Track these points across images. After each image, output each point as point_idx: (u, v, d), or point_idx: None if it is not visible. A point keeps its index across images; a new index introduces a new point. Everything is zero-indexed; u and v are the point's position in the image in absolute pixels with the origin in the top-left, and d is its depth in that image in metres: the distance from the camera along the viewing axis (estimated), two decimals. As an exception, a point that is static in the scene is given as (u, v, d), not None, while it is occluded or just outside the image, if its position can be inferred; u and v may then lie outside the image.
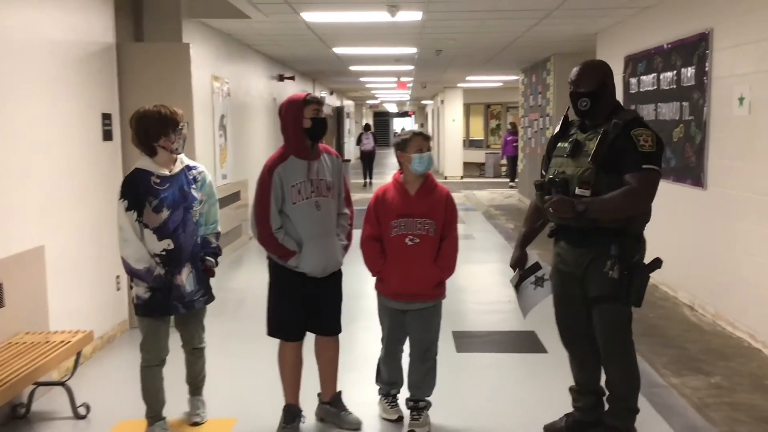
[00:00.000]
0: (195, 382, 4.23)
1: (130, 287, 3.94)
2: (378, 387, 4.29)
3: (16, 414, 4.33)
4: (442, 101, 24.01)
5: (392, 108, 43.77)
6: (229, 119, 9.59)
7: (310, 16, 8.50)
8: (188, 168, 3.96)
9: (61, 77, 5.09)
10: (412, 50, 12.11)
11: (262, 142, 12.13)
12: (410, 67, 15.45)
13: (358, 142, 22.24)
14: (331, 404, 4.19)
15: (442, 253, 4.01)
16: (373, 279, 4.12)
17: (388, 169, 26.41)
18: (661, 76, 7.57)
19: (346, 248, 4.08)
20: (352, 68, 15.44)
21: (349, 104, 30.79)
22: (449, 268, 4.05)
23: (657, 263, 3.63)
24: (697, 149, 6.70)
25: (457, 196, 17.19)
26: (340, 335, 4.20)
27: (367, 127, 22.71)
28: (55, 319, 4.82)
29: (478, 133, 26.92)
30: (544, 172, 3.87)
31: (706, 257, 6.57)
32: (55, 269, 4.83)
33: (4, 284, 4.24)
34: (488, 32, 10.15)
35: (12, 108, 4.43)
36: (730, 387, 4.85)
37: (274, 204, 3.85)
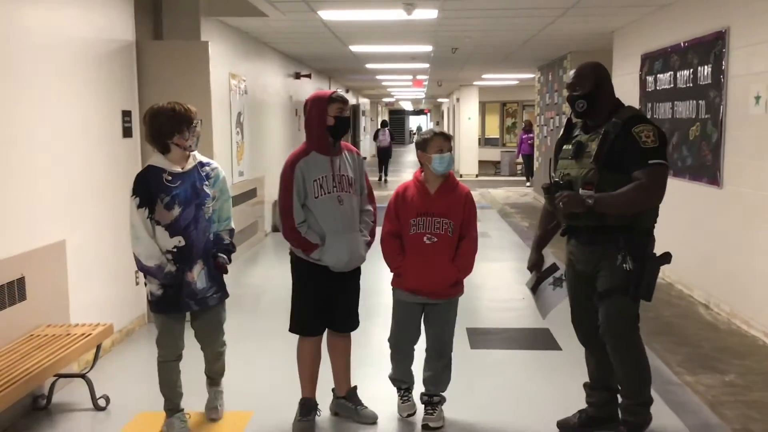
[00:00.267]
0: (214, 375, 4.27)
1: (145, 284, 3.96)
2: (391, 381, 4.29)
3: (37, 405, 4.41)
4: (458, 99, 24.00)
5: (408, 106, 43.77)
6: (246, 117, 9.66)
7: (327, 14, 8.55)
8: (201, 164, 3.94)
9: (82, 75, 5.16)
10: (428, 48, 12.13)
11: (279, 139, 12.20)
12: (426, 65, 15.46)
13: (375, 138, 22.39)
14: (347, 399, 4.24)
15: (460, 252, 4.03)
16: (390, 276, 4.15)
17: (403, 167, 26.44)
18: (678, 75, 7.55)
19: (368, 244, 4.11)
20: (368, 66, 15.48)
21: (364, 102, 30.83)
22: (467, 267, 4.08)
23: (666, 257, 3.66)
24: (713, 148, 6.69)
25: (473, 195, 17.16)
26: (357, 330, 4.25)
27: (384, 124, 22.88)
28: (76, 312, 4.90)
29: (493, 131, 26.87)
30: (552, 175, 3.92)
31: (722, 256, 6.57)
32: (75, 263, 4.91)
33: (26, 278, 4.32)
34: (504, 30, 10.15)
35: (34, 105, 4.51)
36: (744, 385, 4.85)
37: (296, 198, 3.91)
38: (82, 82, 5.17)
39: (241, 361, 5.18)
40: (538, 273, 4.08)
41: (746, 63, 6.15)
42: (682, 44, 7.44)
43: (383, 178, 21.08)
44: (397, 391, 4.27)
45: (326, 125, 3.95)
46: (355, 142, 23.49)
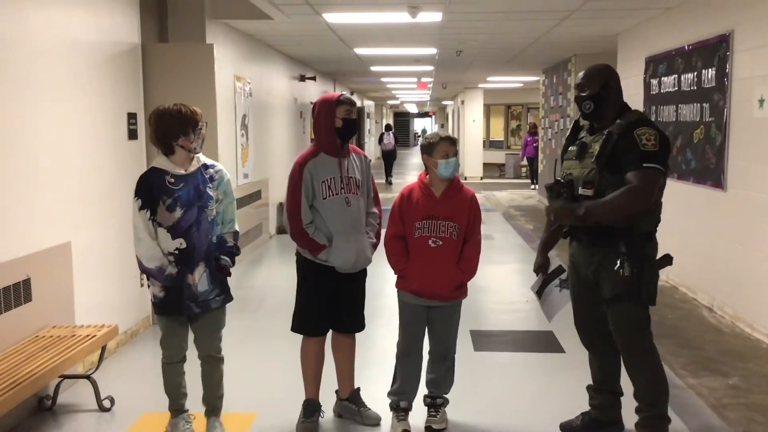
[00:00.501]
0: (212, 400, 4.03)
1: (148, 286, 3.96)
2: (389, 401, 4.17)
3: (42, 406, 4.43)
4: (463, 102, 24.01)
5: (413, 108, 43.78)
6: (250, 119, 9.69)
7: (332, 17, 8.57)
8: (205, 167, 3.91)
9: (88, 77, 5.19)
10: (433, 51, 12.15)
11: (283, 141, 12.23)
12: (431, 68, 15.49)
13: (380, 141, 22.70)
14: (350, 400, 4.25)
15: (465, 256, 4.03)
16: (394, 278, 4.15)
17: (407, 170, 26.47)
18: (682, 78, 7.55)
19: (374, 246, 4.14)
20: (373, 68, 15.51)
21: (369, 104, 30.86)
22: (471, 271, 4.07)
23: (667, 259, 3.66)
24: (717, 151, 6.69)
25: (478, 197, 17.16)
26: (360, 332, 4.26)
27: (388, 127, 23.25)
28: (81, 313, 4.92)
29: (498, 133, 26.88)
30: (555, 176, 3.94)
31: (726, 259, 6.56)
32: (81, 265, 4.94)
33: (32, 279, 4.35)
34: (509, 33, 10.17)
35: (40, 107, 4.54)
36: (748, 388, 4.86)
37: (304, 199, 3.93)
38: (88, 84, 5.20)
39: (244, 362, 5.20)
40: (545, 276, 4.08)
41: (750, 66, 6.15)
42: (686, 47, 7.45)
43: (390, 180, 21.35)
44: (394, 411, 4.11)
45: (334, 127, 3.98)
46: (360, 145, 23.56)
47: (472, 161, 23.28)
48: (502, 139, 26.66)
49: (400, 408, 4.11)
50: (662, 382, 3.73)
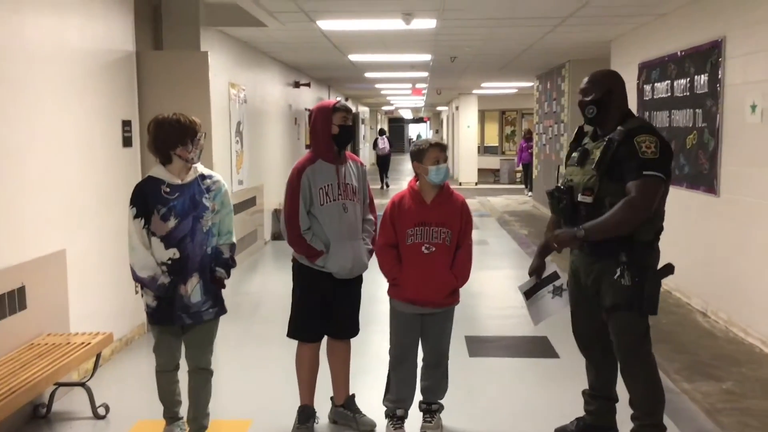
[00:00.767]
0: (200, 418, 3.94)
1: (141, 295, 3.95)
2: (384, 408, 4.17)
3: (37, 414, 4.43)
4: (457, 107, 24.06)
5: (407, 114, 43.84)
6: (245, 126, 9.70)
7: (326, 25, 8.60)
8: (202, 177, 3.89)
9: (82, 85, 5.20)
10: (427, 57, 12.18)
11: (278, 148, 12.25)
12: (425, 74, 15.52)
13: (374, 146, 22.94)
14: (345, 407, 4.26)
15: (458, 261, 4.03)
16: (386, 284, 4.15)
17: (402, 175, 26.49)
18: (675, 84, 7.60)
19: (370, 252, 4.17)
20: (368, 75, 15.54)
21: (364, 110, 30.89)
22: (464, 276, 4.07)
23: (669, 269, 3.63)
24: (710, 156, 6.72)
25: (472, 203, 17.24)
26: (354, 339, 4.27)
27: (381, 132, 23.61)
28: (76, 321, 4.92)
29: (492, 139, 26.91)
30: (557, 182, 3.92)
31: (719, 264, 6.59)
32: (76, 272, 4.94)
33: (27, 287, 4.34)
34: (502, 39, 10.21)
35: (35, 114, 4.54)
36: (741, 393, 4.88)
37: (302, 205, 3.96)
38: (83, 91, 5.20)
39: (239, 369, 5.21)
40: (537, 279, 4.07)
41: (742, 72, 6.19)
42: (678, 53, 7.49)
43: (386, 185, 21.54)
44: (390, 419, 4.13)
45: (331, 134, 4.01)
46: (355, 150, 23.64)
47: (466, 167, 23.33)
48: (497, 144, 26.71)
49: (396, 416, 4.11)
50: (659, 391, 3.72)
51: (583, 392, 4.06)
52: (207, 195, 3.86)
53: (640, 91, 8.65)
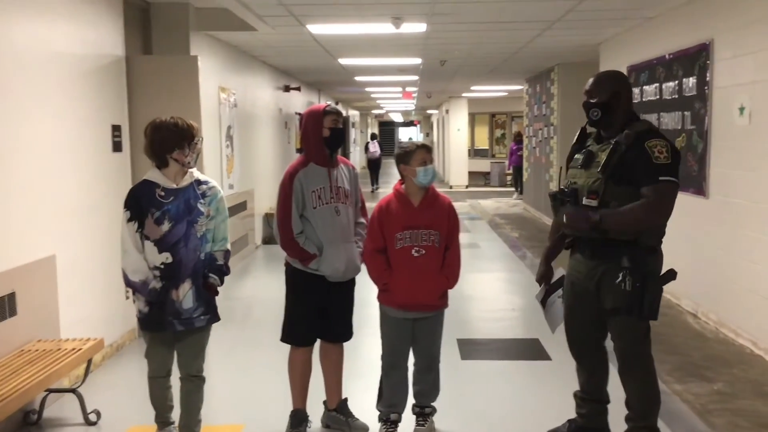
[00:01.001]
0: (191, 425, 3.91)
1: (133, 301, 3.93)
2: (378, 412, 4.17)
3: (28, 420, 4.41)
4: (447, 111, 24.11)
5: (398, 117, 43.87)
6: (235, 130, 9.68)
7: (316, 29, 8.60)
8: (198, 182, 3.87)
9: (72, 89, 5.19)
10: (417, 61, 12.20)
11: (268, 152, 12.23)
12: (415, 78, 15.54)
13: (366, 150, 23.27)
14: (338, 411, 4.25)
15: (448, 262, 4.03)
16: (376, 288, 4.14)
17: (393, 178, 26.49)
18: (663, 86, 7.64)
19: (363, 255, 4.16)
20: (358, 78, 15.55)
21: (354, 114, 30.90)
22: (455, 277, 4.07)
23: (671, 275, 3.61)
24: (699, 158, 6.76)
25: (463, 205, 17.27)
26: (347, 342, 4.27)
27: (373, 136, 23.88)
28: (66, 326, 4.90)
29: (483, 142, 26.99)
30: (560, 184, 3.86)
31: (709, 265, 6.62)
32: (66, 278, 4.92)
33: (17, 293, 4.33)
34: (492, 43, 10.24)
35: (24, 120, 4.53)
36: (732, 393, 4.90)
37: (295, 209, 3.96)
38: (72, 96, 5.19)
39: (231, 373, 5.20)
40: (547, 285, 4.02)
41: (730, 74, 6.23)
42: (667, 56, 7.53)
43: (375, 188, 21.78)
44: (384, 423, 4.12)
45: (322, 137, 4.02)
46: (345, 154, 23.65)
47: (457, 170, 23.38)
48: (487, 147, 26.78)
49: (390, 420, 4.11)
50: (655, 394, 3.72)
51: (575, 394, 4.05)
52: (202, 200, 3.84)
53: (629, 94, 8.67)
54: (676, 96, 7.29)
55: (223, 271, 3.92)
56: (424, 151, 4.01)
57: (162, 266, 3.72)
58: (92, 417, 4.42)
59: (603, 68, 9.98)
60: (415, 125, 47.01)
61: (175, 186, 3.78)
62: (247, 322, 6.90)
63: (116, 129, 5.87)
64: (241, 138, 10.04)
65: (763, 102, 5.66)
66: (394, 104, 28.79)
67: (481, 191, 22.08)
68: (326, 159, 4.06)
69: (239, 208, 9.76)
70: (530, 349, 5.81)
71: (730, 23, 6.23)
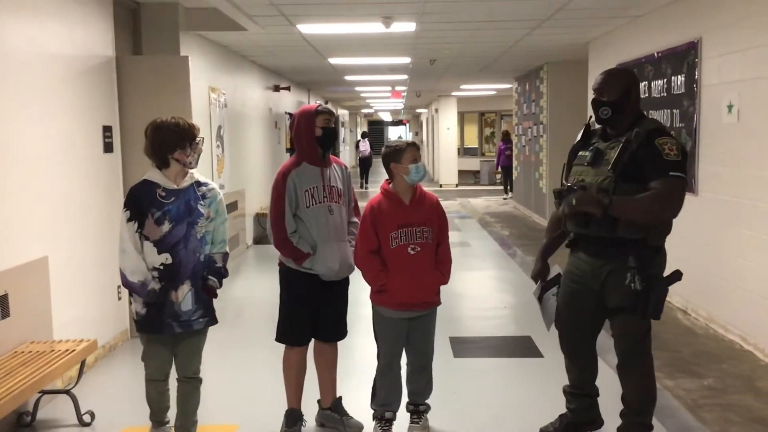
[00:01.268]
0: (187, 425, 3.92)
1: (130, 302, 3.91)
2: (372, 410, 4.17)
3: (21, 422, 4.40)
4: (437, 110, 24.14)
5: (387, 117, 43.88)
6: (226, 130, 9.67)
7: (306, 28, 8.60)
8: (198, 184, 3.87)
9: (62, 90, 5.18)
10: (407, 60, 12.22)
11: (259, 152, 12.22)
12: (404, 77, 15.56)
13: (357, 148, 23.62)
14: (332, 409, 4.27)
15: (441, 258, 4.06)
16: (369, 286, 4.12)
17: (383, 177, 26.51)
18: (652, 84, 7.69)
19: None
20: (347, 78, 15.55)
21: (343, 113, 30.89)
22: (448, 272, 4.09)
23: (677, 275, 3.60)
24: (688, 156, 6.79)
25: (453, 204, 17.31)
26: (341, 341, 4.28)
27: (364, 135, 24.28)
28: (59, 328, 4.89)
29: (472, 141, 27.06)
30: (564, 181, 3.81)
31: (699, 262, 6.67)
32: (58, 279, 4.91)
33: (10, 294, 4.31)
34: (481, 42, 10.27)
35: (15, 121, 4.51)
36: (723, 388, 4.94)
37: (288, 208, 3.97)
38: (63, 97, 5.18)
39: (225, 373, 5.20)
40: (543, 282, 4.02)
41: (718, 72, 6.27)
42: (655, 54, 7.58)
43: (365, 186, 21.97)
44: (378, 421, 4.13)
45: (314, 137, 4.03)
46: (335, 153, 23.75)
47: (446, 168, 23.41)
48: (477, 146, 26.84)
49: (385, 418, 4.12)
50: (652, 391, 3.75)
51: (564, 390, 4.04)
52: (202, 202, 3.83)
53: (618, 92, 8.71)
54: (665, 94, 7.34)
55: (222, 274, 3.92)
56: (414, 148, 4.04)
57: (161, 267, 3.71)
58: (86, 418, 4.41)
59: (592, 67, 10.04)
60: (405, 124, 47.02)
61: (175, 186, 3.77)
62: (240, 322, 6.90)
63: (107, 130, 5.86)
64: (232, 138, 10.03)
65: (752, 100, 5.71)
66: (384, 103, 28.79)
67: (470, 190, 22.14)
68: (319, 158, 4.08)
69: (230, 208, 9.74)
70: (522, 347, 5.84)
71: (719, 21, 6.28)
